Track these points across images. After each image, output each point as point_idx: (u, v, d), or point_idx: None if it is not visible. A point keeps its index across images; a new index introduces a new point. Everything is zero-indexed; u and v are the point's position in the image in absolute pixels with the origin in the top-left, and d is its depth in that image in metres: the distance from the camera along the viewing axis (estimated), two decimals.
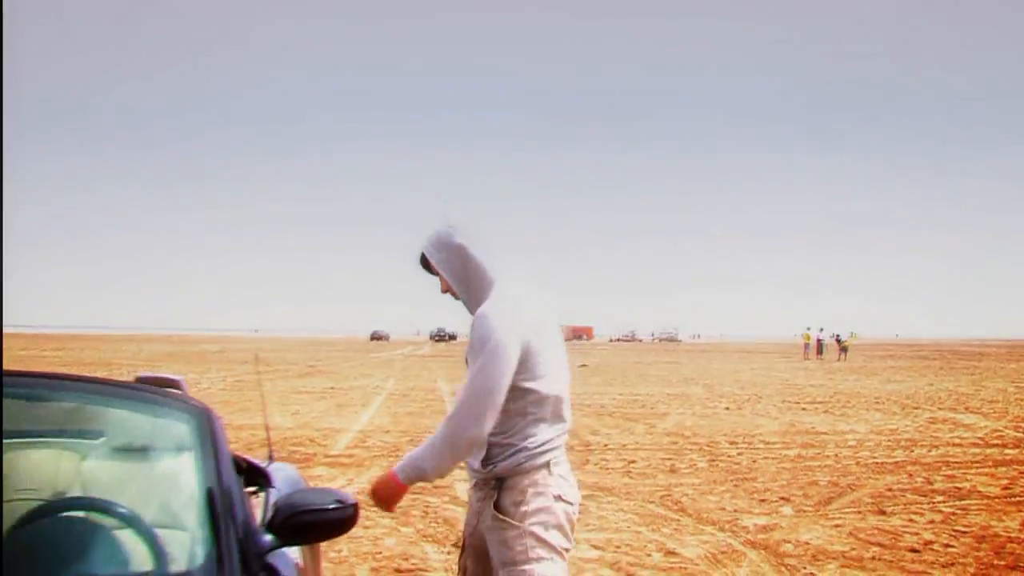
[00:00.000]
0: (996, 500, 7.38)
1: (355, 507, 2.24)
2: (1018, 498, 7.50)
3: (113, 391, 2.57)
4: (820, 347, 46.57)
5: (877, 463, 9.55)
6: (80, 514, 2.23)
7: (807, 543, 5.94)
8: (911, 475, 8.71)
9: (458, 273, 2.83)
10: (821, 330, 48.14)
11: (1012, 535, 6.12)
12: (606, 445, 11.23)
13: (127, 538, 2.09)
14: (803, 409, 16.37)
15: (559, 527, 2.66)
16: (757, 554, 5.68)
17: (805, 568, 5.29)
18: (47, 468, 2.47)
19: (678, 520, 6.66)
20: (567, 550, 2.70)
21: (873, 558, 5.52)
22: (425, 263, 2.96)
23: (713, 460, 9.92)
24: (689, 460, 9.91)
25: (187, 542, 2.11)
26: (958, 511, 6.94)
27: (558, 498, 2.68)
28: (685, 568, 5.29)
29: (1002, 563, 5.36)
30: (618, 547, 5.79)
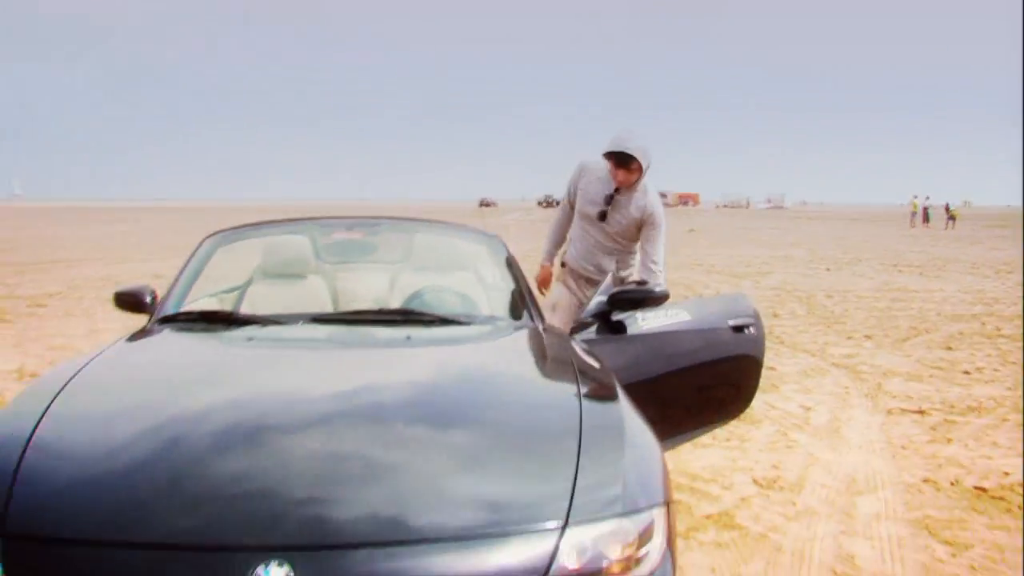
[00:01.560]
0: None
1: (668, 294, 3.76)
2: None
3: (430, 224, 4.26)
4: (927, 215, 46.15)
5: (956, 314, 10.87)
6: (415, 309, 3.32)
7: (880, 365, 7.50)
8: (983, 324, 10.04)
9: (645, 172, 4.40)
10: (928, 198, 47.56)
11: (989, 365, 7.52)
12: (718, 295, 12.84)
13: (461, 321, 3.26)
14: (900, 271, 17.47)
15: None
16: (839, 371, 7.28)
17: (875, 379, 6.88)
18: (383, 285, 3.80)
19: (778, 348, 8.28)
20: None
21: (931, 376, 7.05)
22: (622, 158, 4.38)
23: (810, 309, 11.42)
24: (789, 308, 11.44)
25: (498, 307, 3.61)
26: (1015, 350, 8.32)
27: None
28: (782, 376, 6.95)
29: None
30: None
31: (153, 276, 15.00)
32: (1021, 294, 13.13)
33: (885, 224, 49.82)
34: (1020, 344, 8.61)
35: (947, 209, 45.83)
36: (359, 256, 4.14)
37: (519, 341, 3.13)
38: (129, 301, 3.41)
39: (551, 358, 2.91)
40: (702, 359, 3.87)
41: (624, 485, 1.96)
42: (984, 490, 4.24)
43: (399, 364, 2.77)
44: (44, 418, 2.12)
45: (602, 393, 2.53)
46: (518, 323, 3.34)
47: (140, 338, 3.05)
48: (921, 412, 5.80)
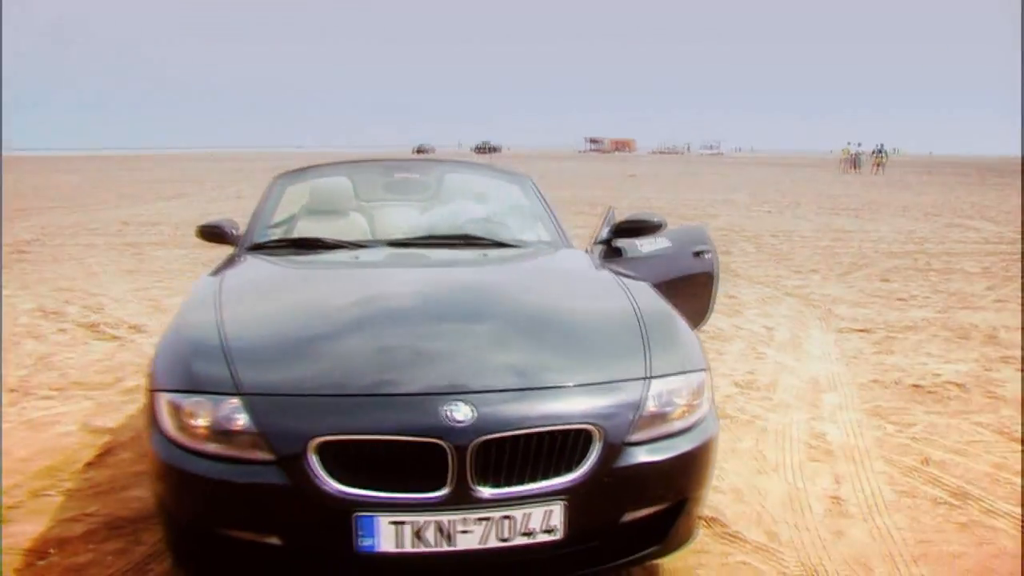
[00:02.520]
0: (974, 275, 9.78)
1: (665, 222, 4.46)
2: (989, 273, 9.91)
3: (470, 166, 4.93)
4: (857, 161, 47.91)
5: (891, 252, 11.95)
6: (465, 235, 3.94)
7: (828, 294, 8.45)
8: (915, 260, 11.11)
9: None
10: (859, 145, 49.37)
11: (973, 291, 8.56)
12: None
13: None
14: (836, 214, 18.62)
15: None
16: (793, 299, 8.20)
17: (825, 306, 7.80)
18: (417, 215, 4.35)
19: (736, 281, 9.18)
20: None
21: (872, 302, 8.02)
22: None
23: (759, 247, 12.39)
24: (740, 247, 12.38)
25: (528, 233, 4.28)
26: (943, 281, 9.37)
27: None
28: (744, 304, 7.83)
29: (960, 305, 7.83)
30: None
31: (121, 223, 15.30)
32: (946, 235, 14.30)
33: (818, 170, 51.59)
34: (947, 276, 9.66)
35: (875, 154, 47.46)
36: (409, 193, 4.69)
37: (566, 258, 3.88)
38: (214, 233, 3.98)
39: (595, 268, 3.67)
40: (674, 276, 4.69)
41: (680, 353, 2.74)
42: (920, 387, 5.15)
43: (489, 273, 3.51)
44: (224, 318, 2.73)
45: (643, 290, 3.29)
46: (557, 246, 4.07)
47: (245, 261, 3.64)
48: (866, 331, 6.74)
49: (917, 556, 3.00)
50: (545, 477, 2.30)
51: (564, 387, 2.45)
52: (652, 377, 2.56)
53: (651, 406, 2.49)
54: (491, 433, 2.24)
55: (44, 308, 7.33)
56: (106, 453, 3.87)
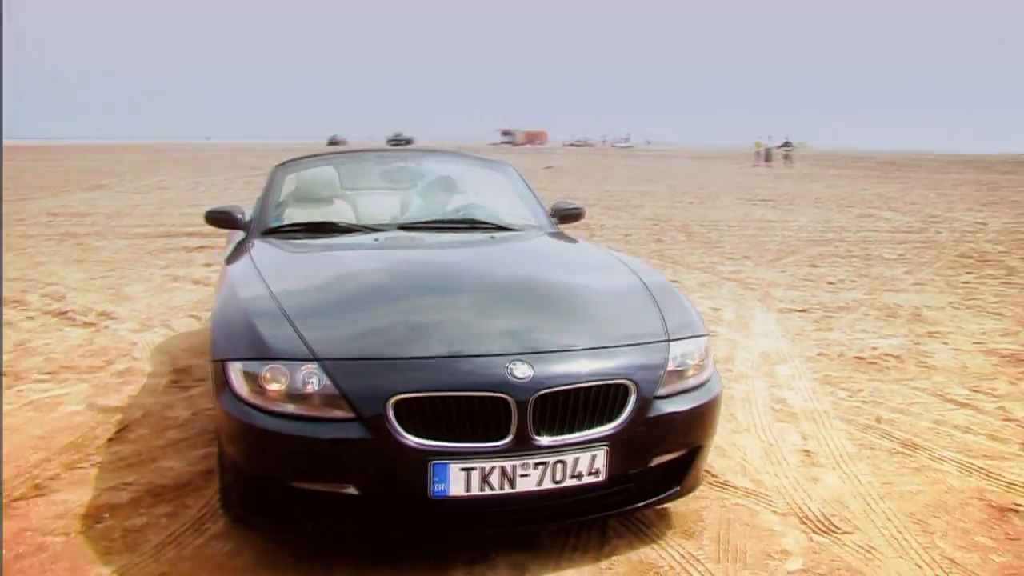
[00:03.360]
0: (892, 261, 10.57)
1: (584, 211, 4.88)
2: (905, 259, 10.72)
3: (457, 155, 5.26)
4: (769, 155, 49.68)
5: (812, 239, 12.72)
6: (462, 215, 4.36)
7: (763, 278, 9.05)
8: (837, 247, 11.88)
9: None
10: (770, 138, 51.19)
11: (893, 275, 9.29)
12: (601, 225, 14.28)
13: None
14: (755, 205, 19.52)
15: None
16: (731, 283, 8.77)
17: (763, 289, 8.39)
18: (419, 200, 4.68)
19: (675, 267, 9.72)
20: None
21: (805, 286, 8.65)
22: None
23: (689, 236, 13.01)
24: (671, 236, 12.98)
25: (520, 218, 4.68)
26: (865, 266, 10.10)
27: None
28: (686, 288, 8.36)
29: (884, 288, 8.52)
30: None
31: (49, 214, 14.98)
32: (861, 224, 15.24)
33: (728, 163, 53.27)
34: (868, 262, 10.42)
35: (783, 147, 49.18)
36: (405, 181, 4.96)
37: (559, 238, 4.26)
38: (224, 219, 4.22)
39: (589, 247, 4.07)
40: None
41: (688, 319, 3.16)
42: (862, 358, 5.72)
43: (506, 253, 3.89)
44: (276, 292, 3.01)
45: (640, 265, 3.72)
46: (548, 228, 4.44)
47: (268, 244, 3.88)
48: (804, 310, 7.32)
49: (883, 495, 3.48)
50: (591, 426, 2.68)
51: (605, 348, 2.84)
52: (671, 340, 2.98)
53: (672, 365, 2.91)
54: (547, 388, 2.61)
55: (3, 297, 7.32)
56: (124, 430, 4.05)
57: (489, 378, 2.60)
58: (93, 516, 3.12)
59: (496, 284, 3.37)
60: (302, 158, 4.87)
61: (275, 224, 4.18)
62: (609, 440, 2.68)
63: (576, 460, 2.63)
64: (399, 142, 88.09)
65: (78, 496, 3.29)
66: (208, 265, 9.36)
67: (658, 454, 2.87)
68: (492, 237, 4.11)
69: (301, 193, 4.51)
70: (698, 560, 2.90)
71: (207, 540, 2.96)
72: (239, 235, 4.36)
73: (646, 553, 2.94)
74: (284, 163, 4.73)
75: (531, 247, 4.12)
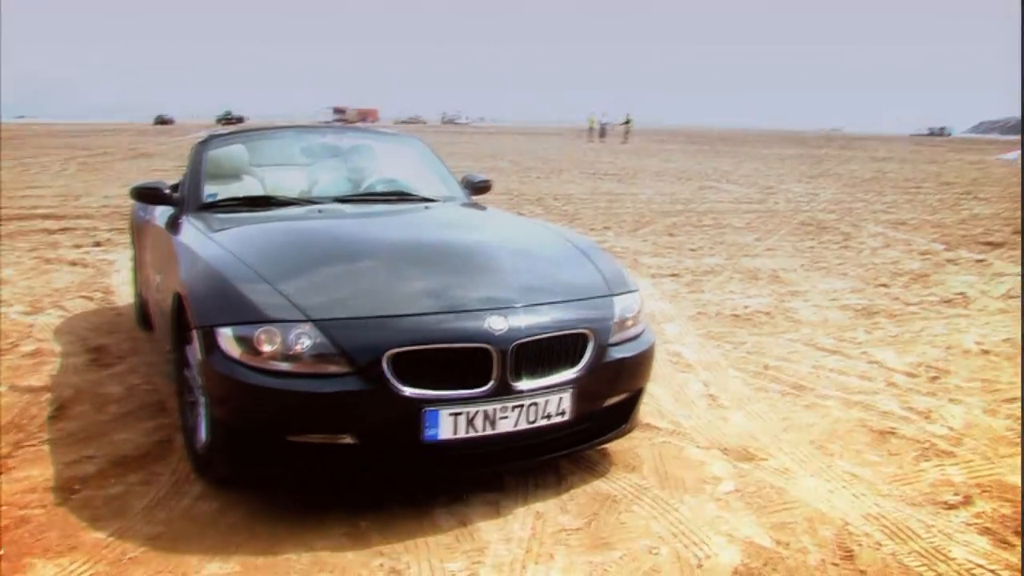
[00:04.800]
0: (741, 229, 11.50)
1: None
2: (752, 227, 11.70)
3: (372, 131, 5.45)
4: (603, 131, 51.48)
5: (664, 211, 13.56)
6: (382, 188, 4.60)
7: (627, 247, 9.67)
8: (688, 217, 12.74)
9: None
10: (604, 115, 52.99)
11: (746, 242, 10.15)
12: None
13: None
14: (600, 179, 20.40)
15: None
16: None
17: (631, 257, 8.98)
18: (347, 174, 4.82)
19: None
20: None
21: (669, 253, 9.32)
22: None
23: (547, 209, 13.55)
24: (528, 209, 13.47)
25: (441, 189, 4.90)
26: (719, 234, 10.95)
27: None
28: None
29: (740, 254, 9.32)
30: None
31: None
32: (704, 196, 16.31)
33: (563, 139, 54.80)
34: (720, 230, 11.28)
35: (624, 123, 50.97)
36: (327, 156, 5.05)
37: (480, 208, 4.59)
38: (152, 194, 4.29)
39: (513, 215, 4.43)
40: None
41: (621, 276, 3.56)
42: (737, 316, 6.35)
43: (448, 220, 4.20)
44: (249, 261, 3.18)
45: (563, 230, 4.10)
46: (463, 198, 4.76)
47: (209, 218, 3.96)
48: (676, 275, 7.96)
49: (785, 428, 4.02)
50: (558, 371, 3.03)
51: (564, 302, 3.22)
52: (614, 295, 3.37)
53: (617, 316, 3.30)
54: (523, 338, 2.94)
55: None
56: (61, 408, 4.03)
57: (472, 331, 2.91)
58: (65, 488, 3.17)
59: (452, 248, 3.66)
60: (226, 135, 4.97)
61: (210, 199, 4.27)
62: (573, 383, 3.05)
63: (547, 402, 2.98)
64: (230, 120, 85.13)
65: (40, 472, 3.31)
66: (78, 247, 9.02)
67: (611, 396, 3.27)
68: (427, 207, 4.40)
69: (228, 169, 4.58)
70: (645, 489, 3.31)
71: (192, 501, 3.09)
72: (154, 213, 4.48)
73: (599, 486, 3.32)
74: (207, 140, 4.80)
75: (467, 215, 4.45)
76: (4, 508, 3.00)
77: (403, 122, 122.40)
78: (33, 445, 3.59)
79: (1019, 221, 12.98)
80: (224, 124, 76.89)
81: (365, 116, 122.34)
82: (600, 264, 3.61)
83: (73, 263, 8.07)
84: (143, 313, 5.31)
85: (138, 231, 5.32)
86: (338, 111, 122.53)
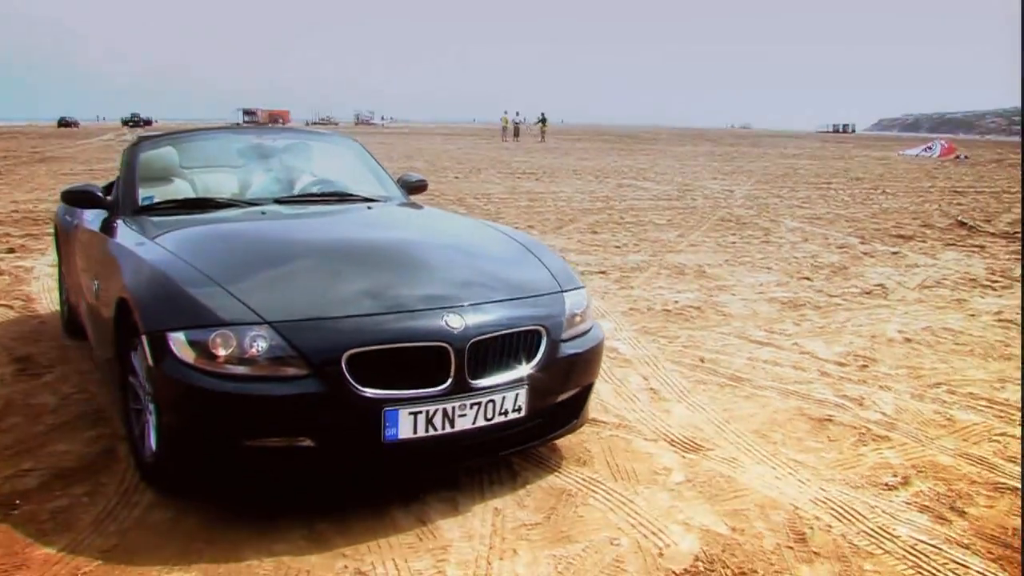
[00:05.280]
0: (663, 226, 11.74)
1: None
2: (673, 224, 11.95)
3: (305, 132, 5.40)
4: (517, 130, 51.70)
5: (585, 209, 13.74)
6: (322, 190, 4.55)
7: (553, 244, 9.74)
8: (609, 215, 12.94)
9: None
10: (517, 114, 53.25)
11: (668, 239, 10.37)
12: None
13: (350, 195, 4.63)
14: (518, 178, 20.53)
15: None
16: None
17: (562, 254, 9.06)
18: (284, 176, 4.77)
19: None
20: None
21: (595, 250, 9.46)
22: None
23: (469, 208, 13.58)
24: (451, 208, 13.45)
25: (379, 189, 4.89)
26: (641, 231, 11.15)
27: None
28: None
29: (664, 250, 9.52)
30: None
31: None
32: (623, 194, 16.57)
33: (476, 139, 54.88)
34: (642, 227, 11.49)
35: (539, 123, 51.30)
36: (261, 158, 4.97)
37: (418, 207, 4.61)
38: (84, 198, 4.17)
39: (448, 213, 4.46)
40: None
41: (568, 273, 3.63)
42: (669, 311, 6.50)
43: (392, 221, 4.22)
44: (197, 264, 3.14)
45: (505, 228, 4.15)
46: (401, 198, 4.76)
47: (146, 221, 3.87)
48: (603, 272, 8.09)
49: (727, 419, 4.14)
50: (512, 368, 3.07)
51: (517, 299, 3.28)
52: (564, 291, 3.44)
53: (568, 312, 3.36)
54: (479, 335, 2.98)
55: None
56: None
57: (429, 329, 2.93)
58: (5, 504, 3.05)
59: (402, 247, 3.66)
60: (155, 136, 4.86)
61: (146, 203, 4.17)
62: (528, 379, 3.09)
63: (503, 399, 3.01)
64: (137, 123, 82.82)
65: None
66: None
67: (563, 391, 3.32)
68: (369, 207, 4.39)
69: (161, 172, 4.48)
70: (599, 482, 3.37)
71: (144, 511, 3.02)
72: (83, 218, 4.38)
73: (553, 481, 3.37)
74: (138, 143, 4.67)
75: (408, 215, 4.44)
76: None
77: (315, 123, 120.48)
78: None
79: (925, 215, 13.58)
80: (131, 127, 74.77)
81: (276, 118, 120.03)
82: (547, 261, 3.67)
83: None
84: (71, 320, 5.15)
85: (65, 236, 5.16)
86: (248, 113, 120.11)
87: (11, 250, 8.91)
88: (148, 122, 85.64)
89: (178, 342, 2.80)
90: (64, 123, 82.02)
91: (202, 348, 2.77)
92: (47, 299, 6.55)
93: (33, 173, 19.81)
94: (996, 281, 7.95)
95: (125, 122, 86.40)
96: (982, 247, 10.17)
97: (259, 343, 2.78)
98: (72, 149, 32.69)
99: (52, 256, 8.20)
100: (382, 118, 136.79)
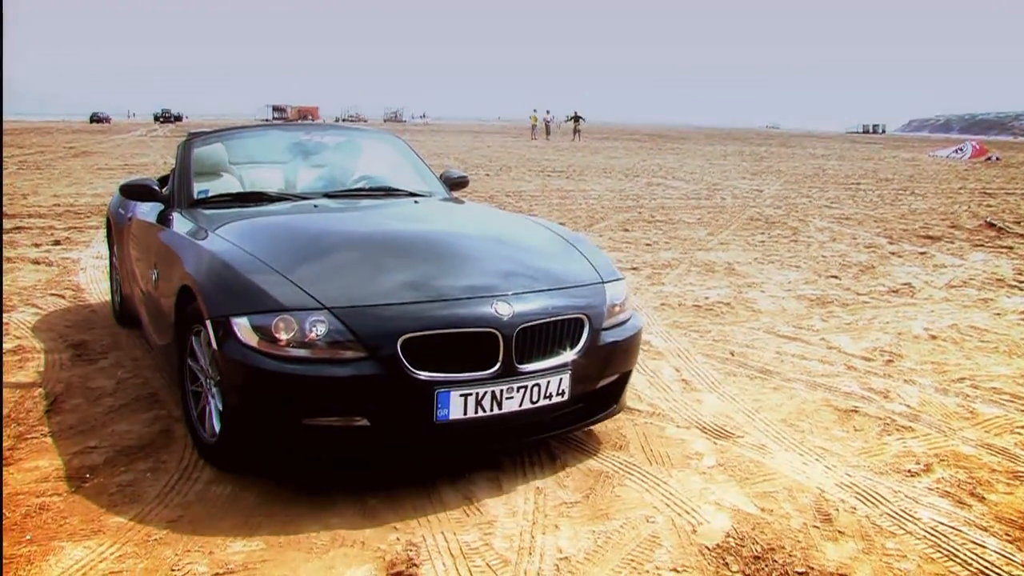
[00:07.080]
0: (693, 224, 11.87)
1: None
2: (704, 222, 12.07)
3: (353, 129, 5.60)
4: (548, 129, 51.78)
5: (615, 207, 13.89)
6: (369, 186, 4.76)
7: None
8: (640, 213, 13.08)
9: None
10: (548, 112, 53.29)
11: (699, 237, 10.50)
12: None
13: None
14: (548, 176, 20.69)
15: None
16: None
17: None
18: (333, 171, 4.97)
19: None
20: None
21: (626, 247, 9.63)
22: None
23: (500, 205, 13.76)
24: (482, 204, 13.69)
25: (423, 184, 5.09)
26: (672, 229, 11.29)
27: None
28: None
29: (695, 248, 9.66)
30: None
31: None
32: (653, 192, 16.70)
33: (505, 137, 55.03)
34: (672, 226, 11.63)
35: (574, 120, 51.10)
36: (312, 153, 5.16)
37: (461, 202, 4.81)
38: (140, 191, 4.39)
39: (491, 208, 4.66)
40: None
41: (608, 265, 3.81)
42: (699, 307, 6.65)
43: (439, 214, 4.43)
44: (258, 254, 3.35)
45: (548, 223, 4.34)
46: (444, 193, 4.96)
47: (203, 214, 4.10)
48: (636, 268, 8.25)
49: (756, 408, 4.30)
50: (557, 354, 3.26)
51: (562, 288, 3.46)
52: (604, 282, 3.62)
53: (609, 302, 3.55)
54: (527, 322, 3.17)
55: None
56: (56, 403, 4.14)
57: (480, 316, 3.12)
58: (76, 477, 3.29)
59: (450, 239, 3.86)
60: (209, 133, 5.06)
61: (201, 196, 4.40)
62: (571, 365, 3.28)
63: (548, 383, 3.20)
64: (168, 119, 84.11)
65: (48, 462, 3.43)
66: (37, 246, 8.97)
67: (603, 377, 3.51)
68: (416, 202, 4.59)
69: (211, 167, 4.70)
70: (634, 465, 3.55)
71: (204, 486, 3.24)
72: (137, 210, 4.62)
73: (591, 464, 3.56)
74: (192, 138, 4.89)
75: (453, 209, 4.65)
76: (21, 497, 3.12)
77: (344, 120, 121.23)
78: (35, 438, 3.69)
79: (953, 216, 13.60)
80: (161, 123, 75.83)
81: (305, 114, 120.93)
82: (589, 254, 3.86)
83: (36, 262, 8.05)
84: (123, 309, 5.39)
85: (118, 229, 5.40)
86: (278, 109, 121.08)
87: (57, 242, 9.22)
88: (178, 118, 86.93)
89: (242, 326, 3.02)
90: (96, 119, 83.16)
91: (265, 332, 2.98)
92: (96, 289, 6.82)
93: (70, 168, 20.23)
94: (1023, 281, 8.02)
95: (156, 117, 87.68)
96: (1010, 248, 10.22)
97: (318, 327, 2.99)
98: (106, 144, 33.25)
99: (97, 248, 8.53)
100: (412, 115, 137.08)
